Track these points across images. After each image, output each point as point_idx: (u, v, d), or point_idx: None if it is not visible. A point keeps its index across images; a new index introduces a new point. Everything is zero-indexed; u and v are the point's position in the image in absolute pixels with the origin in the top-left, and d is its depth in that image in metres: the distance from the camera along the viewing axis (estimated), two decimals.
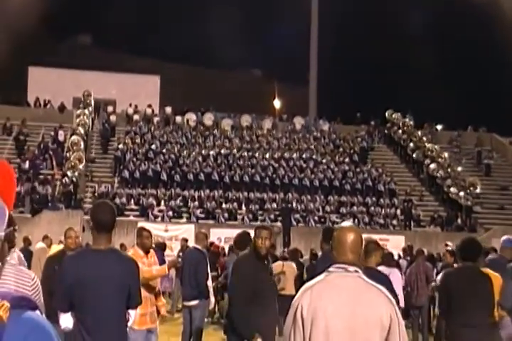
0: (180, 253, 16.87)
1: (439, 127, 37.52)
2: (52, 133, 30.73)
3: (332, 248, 3.50)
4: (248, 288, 5.67)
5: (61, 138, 30.01)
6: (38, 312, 1.73)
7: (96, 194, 25.93)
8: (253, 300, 5.66)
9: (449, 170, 30.50)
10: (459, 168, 31.29)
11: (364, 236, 3.58)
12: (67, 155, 27.21)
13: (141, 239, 7.15)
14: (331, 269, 3.40)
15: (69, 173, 25.16)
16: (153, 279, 7.11)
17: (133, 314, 4.57)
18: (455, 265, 7.84)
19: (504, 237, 7.81)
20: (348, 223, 3.74)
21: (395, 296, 6.91)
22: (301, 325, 3.30)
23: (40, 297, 2.86)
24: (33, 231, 18.64)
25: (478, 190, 29.52)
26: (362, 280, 3.36)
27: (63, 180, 25.00)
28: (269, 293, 5.77)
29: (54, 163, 27.62)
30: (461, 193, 28.65)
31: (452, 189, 29.14)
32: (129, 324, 4.57)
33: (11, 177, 2.19)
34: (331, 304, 3.28)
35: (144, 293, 7.02)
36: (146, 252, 7.19)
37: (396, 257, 17.60)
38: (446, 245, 17.93)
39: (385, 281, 6.83)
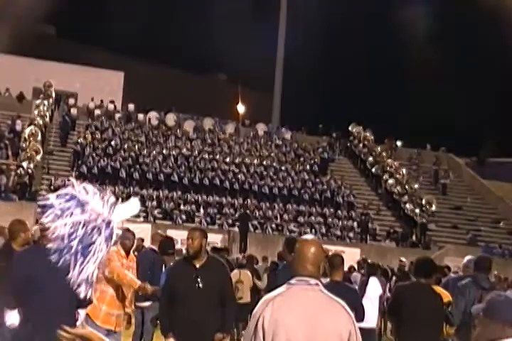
0: (136, 253, 16.56)
1: (398, 143, 37.96)
2: (9, 122, 29.96)
3: (293, 260, 3.52)
4: (169, 288, 6.03)
5: (18, 127, 29.27)
6: None
7: (52, 187, 25.34)
8: (172, 301, 5.90)
9: (406, 186, 30.85)
10: (416, 186, 31.67)
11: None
12: (24, 145, 26.54)
13: (122, 239, 7.20)
14: (292, 281, 3.41)
15: (24, 164, 24.54)
16: (123, 284, 7.01)
17: (82, 313, 4.50)
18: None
19: (468, 257, 7.91)
20: (309, 236, 3.73)
21: (362, 310, 6.84)
22: (261, 336, 3.33)
23: None
24: None
25: (433, 208, 29.93)
26: (323, 294, 3.38)
27: (18, 171, 24.37)
28: (189, 295, 5.86)
29: (10, 152, 26.92)
30: (417, 210, 28.99)
31: (408, 205, 29.48)
32: (78, 323, 4.46)
33: None
34: (292, 316, 3.30)
35: (114, 293, 6.88)
36: (127, 253, 7.24)
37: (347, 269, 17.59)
38: (401, 261, 18.05)
39: (353, 295, 6.75)
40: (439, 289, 7.06)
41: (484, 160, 37.14)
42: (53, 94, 32.76)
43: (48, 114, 30.49)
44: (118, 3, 43.63)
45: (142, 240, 17.73)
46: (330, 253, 9.18)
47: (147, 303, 8.76)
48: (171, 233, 22.19)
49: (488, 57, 39.20)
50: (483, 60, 39.79)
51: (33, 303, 4.15)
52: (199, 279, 5.84)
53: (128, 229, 7.52)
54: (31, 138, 26.49)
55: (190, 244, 5.93)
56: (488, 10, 32.92)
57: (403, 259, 17.96)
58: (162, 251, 8.81)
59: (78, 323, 4.44)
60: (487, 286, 6.42)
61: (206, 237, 6.07)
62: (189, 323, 5.78)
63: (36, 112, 29.66)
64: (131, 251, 7.48)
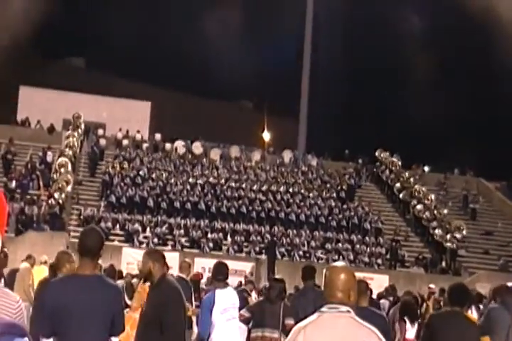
0: None
1: (426, 168, 37.72)
2: (40, 153, 30.51)
3: (323, 287, 3.51)
4: None
5: (49, 159, 29.78)
6: (26, 339, 1.66)
7: (82, 217, 25.69)
8: None
9: (435, 212, 30.56)
10: (445, 211, 31.34)
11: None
12: (54, 176, 26.97)
13: None
14: (323, 309, 3.39)
15: (56, 195, 24.92)
16: None
17: None
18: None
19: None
20: (339, 263, 3.72)
21: (391, 335, 6.85)
22: None
23: (24, 321, 2.76)
24: (16, 252, 18.31)
25: (463, 234, 29.54)
26: (354, 321, 3.36)
27: (49, 202, 24.76)
28: (140, 320, 5.83)
29: (41, 183, 27.37)
30: (447, 236, 28.65)
31: (437, 231, 29.16)
32: None
33: (4, 207, 2.38)
34: None
35: None
36: None
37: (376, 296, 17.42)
38: (429, 288, 17.83)
39: (381, 321, 6.74)
40: (473, 317, 7.00)
41: None
42: (82, 125, 33.30)
43: (77, 145, 30.98)
44: (145, 35, 44.52)
45: (168, 268, 17.86)
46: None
47: None
48: (199, 261, 22.33)
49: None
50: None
51: (67, 331, 4.20)
52: (145, 304, 5.78)
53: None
54: (62, 169, 26.91)
55: (140, 267, 5.85)
56: None
57: (432, 286, 17.76)
58: (213, 276, 8.33)
59: None
60: None
61: (158, 260, 5.60)
62: None
63: (66, 143, 30.16)
64: None
